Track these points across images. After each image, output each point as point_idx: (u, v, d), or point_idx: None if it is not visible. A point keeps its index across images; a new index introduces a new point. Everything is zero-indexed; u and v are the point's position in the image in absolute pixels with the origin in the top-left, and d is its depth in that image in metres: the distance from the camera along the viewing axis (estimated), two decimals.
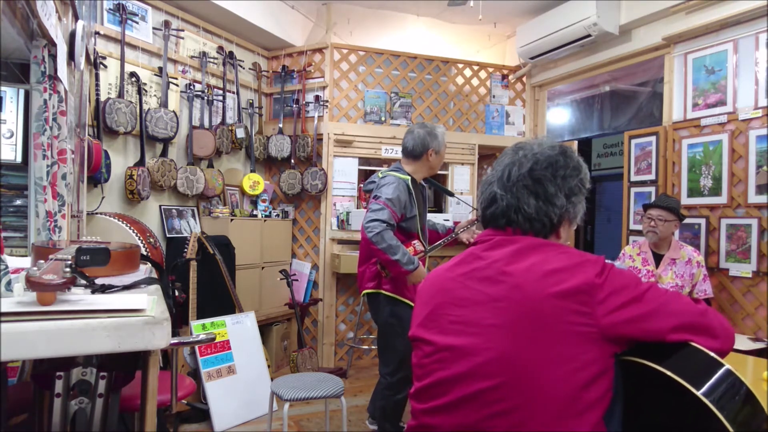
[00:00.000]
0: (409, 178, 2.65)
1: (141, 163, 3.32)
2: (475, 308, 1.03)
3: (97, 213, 2.98)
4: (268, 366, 3.38)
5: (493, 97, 4.68)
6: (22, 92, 2.02)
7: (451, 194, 3.28)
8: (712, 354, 0.95)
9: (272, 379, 2.64)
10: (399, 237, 2.62)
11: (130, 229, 2.94)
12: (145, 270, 1.43)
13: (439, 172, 4.49)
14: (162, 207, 3.54)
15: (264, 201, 4.16)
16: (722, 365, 0.93)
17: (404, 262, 2.44)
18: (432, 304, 1.12)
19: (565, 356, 0.94)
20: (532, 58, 4.30)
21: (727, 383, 0.91)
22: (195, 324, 3.06)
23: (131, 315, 0.88)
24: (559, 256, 1.03)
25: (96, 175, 2.94)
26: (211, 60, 3.87)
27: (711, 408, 0.86)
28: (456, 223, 3.00)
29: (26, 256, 1.81)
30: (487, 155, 5.01)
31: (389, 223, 2.46)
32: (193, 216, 3.75)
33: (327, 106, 4.17)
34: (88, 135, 2.82)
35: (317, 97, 4.18)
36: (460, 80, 4.58)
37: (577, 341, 0.94)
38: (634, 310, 0.96)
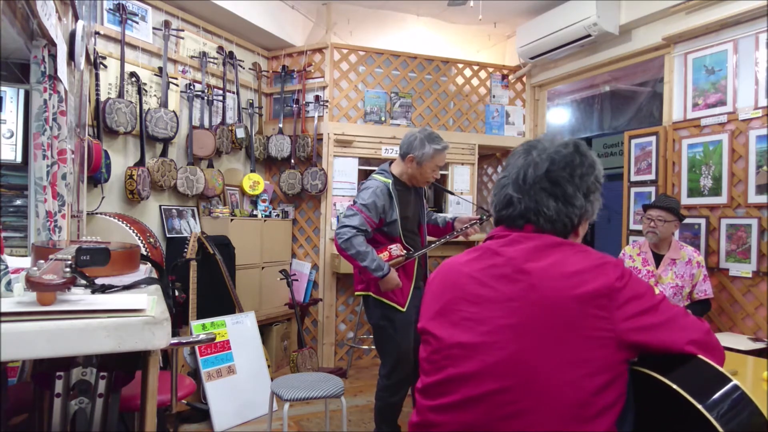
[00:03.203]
0: (391, 180, 2.56)
1: (141, 163, 3.32)
2: (489, 306, 1.01)
3: (97, 213, 2.98)
4: (268, 366, 3.38)
5: (493, 97, 4.68)
6: (22, 92, 2.02)
7: (451, 193, 3.24)
8: (720, 368, 0.94)
9: (272, 379, 2.64)
10: (380, 240, 2.57)
11: (130, 229, 2.94)
12: (145, 270, 1.42)
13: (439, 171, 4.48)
14: (162, 207, 3.54)
15: (264, 201, 4.16)
16: (729, 380, 0.92)
17: (372, 269, 2.41)
18: (444, 299, 1.10)
19: (579, 360, 0.92)
20: (532, 58, 4.30)
21: (732, 399, 0.90)
22: (195, 324, 3.06)
23: (131, 315, 0.88)
24: (577, 256, 1.01)
25: (96, 175, 2.94)
26: (211, 60, 3.87)
27: (714, 424, 0.85)
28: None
29: (26, 256, 1.81)
30: (487, 155, 5.01)
31: (360, 229, 2.42)
32: (193, 216, 3.75)
33: (327, 106, 4.17)
34: (88, 135, 2.82)
35: (317, 97, 4.18)
36: (460, 80, 4.58)
37: (592, 345, 0.93)
38: (651, 318, 0.95)
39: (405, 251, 2.61)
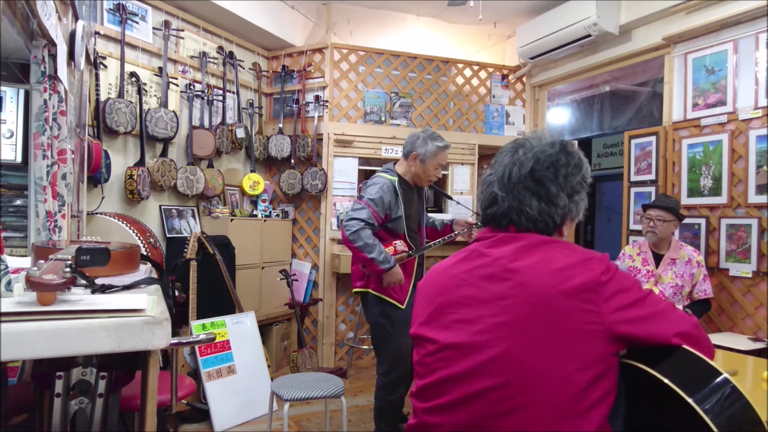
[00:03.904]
0: (396, 179, 2.62)
1: (141, 163, 3.32)
2: (480, 306, 1.02)
3: (97, 213, 2.98)
4: (268, 366, 3.38)
5: (493, 97, 4.68)
6: (22, 92, 2.02)
7: (450, 197, 3.28)
8: (710, 361, 0.95)
9: (272, 379, 2.64)
10: (384, 236, 2.60)
11: (130, 229, 2.94)
12: (145, 270, 1.42)
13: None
14: (162, 207, 3.54)
15: (264, 201, 4.17)
16: (720, 373, 0.93)
17: (380, 261, 2.44)
18: (435, 303, 1.11)
19: (571, 354, 0.93)
20: (532, 58, 4.30)
21: (722, 392, 0.90)
22: (195, 324, 3.06)
23: (131, 315, 0.88)
24: (563, 252, 1.02)
25: (96, 175, 2.94)
26: (211, 60, 3.87)
27: (704, 417, 0.85)
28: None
29: (26, 256, 1.81)
30: (487, 155, 5.00)
31: (368, 222, 2.47)
32: (193, 216, 3.75)
33: (327, 106, 4.17)
34: (88, 135, 2.82)
35: (317, 97, 4.18)
36: (460, 80, 4.58)
37: (582, 339, 0.94)
38: (638, 310, 0.97)
39: (408, 249, 2.65)
